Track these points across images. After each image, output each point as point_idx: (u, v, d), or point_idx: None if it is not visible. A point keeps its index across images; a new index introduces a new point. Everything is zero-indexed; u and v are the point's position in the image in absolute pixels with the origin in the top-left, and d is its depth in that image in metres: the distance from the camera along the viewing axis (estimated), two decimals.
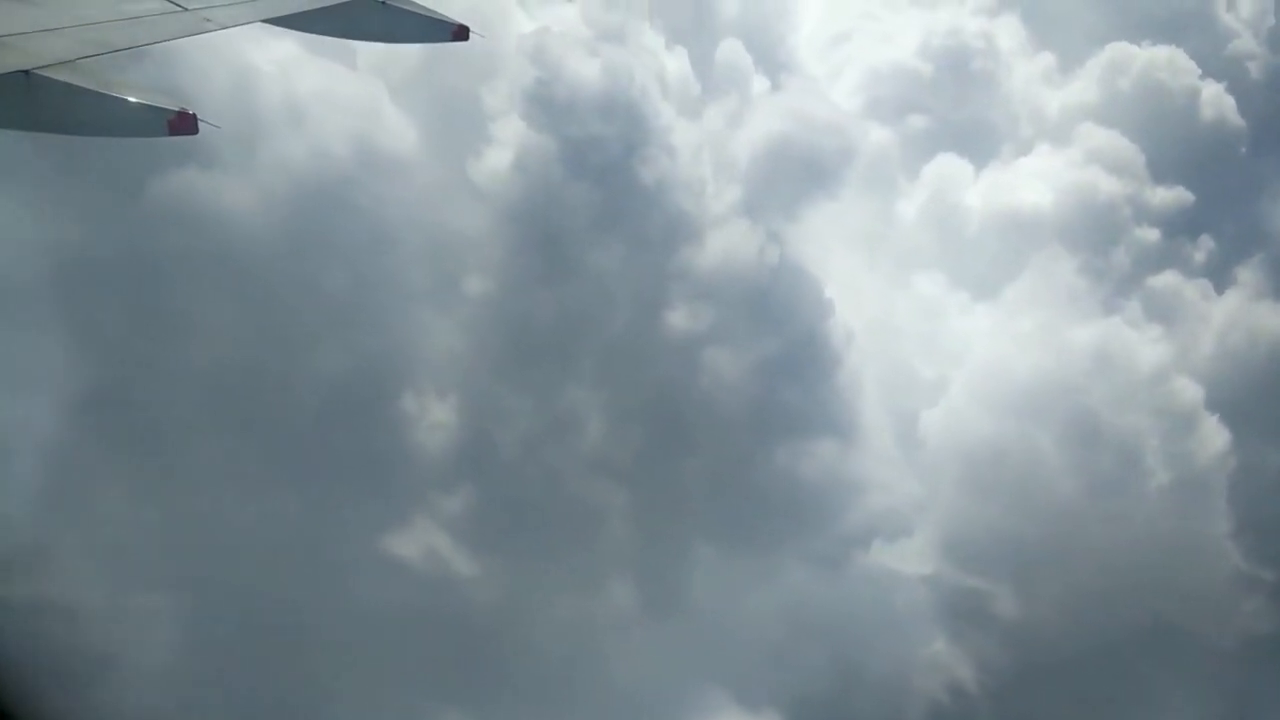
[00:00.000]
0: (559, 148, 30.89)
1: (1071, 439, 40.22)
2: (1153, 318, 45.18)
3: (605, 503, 31.86)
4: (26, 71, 6.21)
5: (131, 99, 6.55)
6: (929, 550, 37.89)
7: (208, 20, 7.93)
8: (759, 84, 38.73)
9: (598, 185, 31.20)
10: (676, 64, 34.83)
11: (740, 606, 33.57)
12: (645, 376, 32.36)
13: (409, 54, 32.95)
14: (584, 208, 31.11)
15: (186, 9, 7.90)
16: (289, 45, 33.06)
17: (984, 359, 42.14)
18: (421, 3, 9.96)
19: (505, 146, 31.42)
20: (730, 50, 37.21)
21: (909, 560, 37.22)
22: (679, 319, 32.65)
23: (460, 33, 9.92)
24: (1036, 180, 50.60)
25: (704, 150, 34.52)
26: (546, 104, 31.18)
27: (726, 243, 34.02)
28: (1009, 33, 56.71)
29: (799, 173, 37.77)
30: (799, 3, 52.13)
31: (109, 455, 28.70)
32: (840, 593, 35.17)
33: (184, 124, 6.53)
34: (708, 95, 36.47)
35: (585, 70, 31.54)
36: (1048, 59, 57.14)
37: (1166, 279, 46.49)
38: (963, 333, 44.21)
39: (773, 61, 39.74)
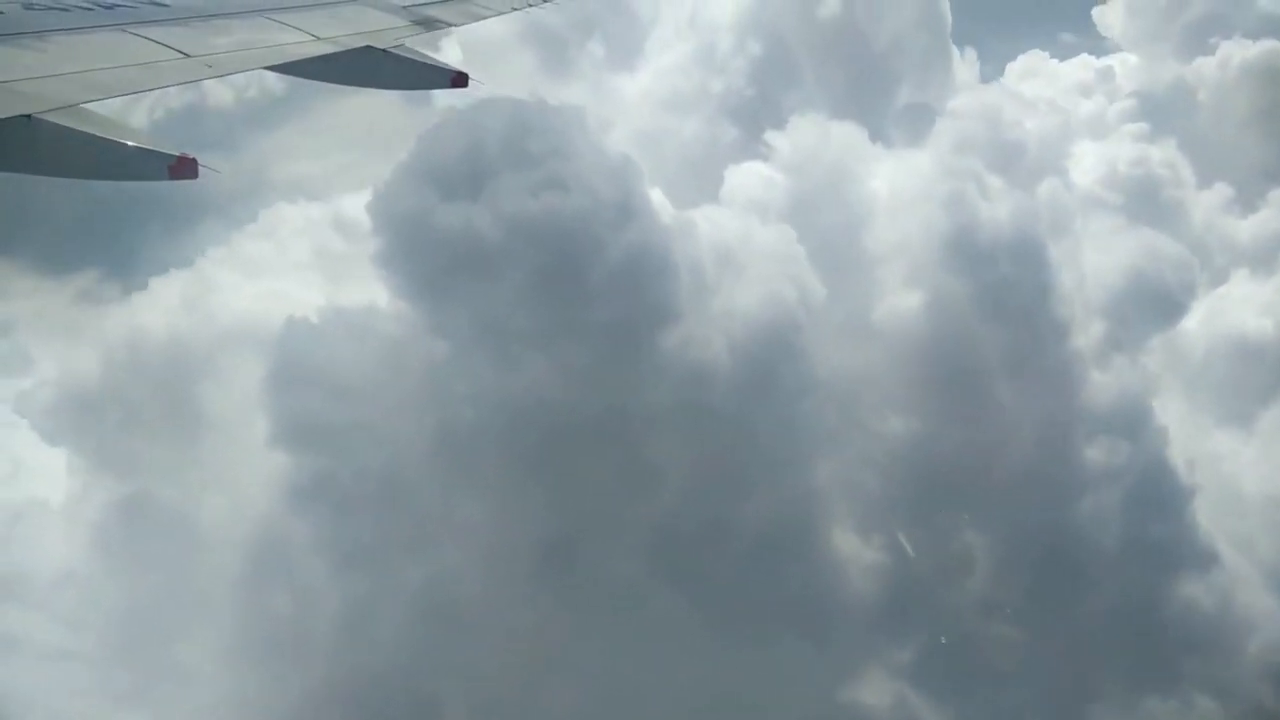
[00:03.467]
0: (969, 289, 31.80)
1: None
2: None
3: (1004, 644, 31.76)
4: (29, 116, 6.24)
5: (131, 143, 6.57)
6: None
7: (209, 67, 7.99)
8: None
9: (999, 325, 32.02)
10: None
11: None
12: (1035, 513, 32.63)
13: (780, 199, 34.07)
14: (987, 347, 31.84)
15: (189, 55, 7.95)
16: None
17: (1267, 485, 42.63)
18: (425, 51, 9.94)
19: (909, 289, 32.33)
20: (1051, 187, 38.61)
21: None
22: (1068, 454, 33.14)
23: (459, 79, 9.85)
24: (1248, 306, 52.06)
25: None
26: (958, 248, 32.21)
27: (1084, 377, 34.82)
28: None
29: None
30: None
31: (556, 610, 28.42)
32: None
33: (185, 169, 6.51)
34: None
35: (984, 213, 32.68)
36: (1222, 189, 59.54)
37: None
38: (1221, 458, 44.84)
39: None
